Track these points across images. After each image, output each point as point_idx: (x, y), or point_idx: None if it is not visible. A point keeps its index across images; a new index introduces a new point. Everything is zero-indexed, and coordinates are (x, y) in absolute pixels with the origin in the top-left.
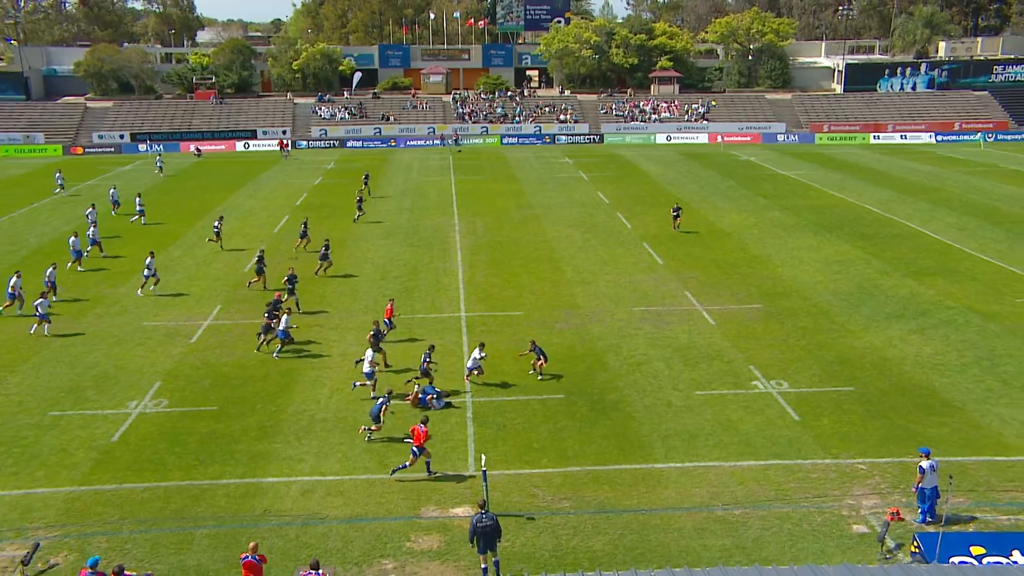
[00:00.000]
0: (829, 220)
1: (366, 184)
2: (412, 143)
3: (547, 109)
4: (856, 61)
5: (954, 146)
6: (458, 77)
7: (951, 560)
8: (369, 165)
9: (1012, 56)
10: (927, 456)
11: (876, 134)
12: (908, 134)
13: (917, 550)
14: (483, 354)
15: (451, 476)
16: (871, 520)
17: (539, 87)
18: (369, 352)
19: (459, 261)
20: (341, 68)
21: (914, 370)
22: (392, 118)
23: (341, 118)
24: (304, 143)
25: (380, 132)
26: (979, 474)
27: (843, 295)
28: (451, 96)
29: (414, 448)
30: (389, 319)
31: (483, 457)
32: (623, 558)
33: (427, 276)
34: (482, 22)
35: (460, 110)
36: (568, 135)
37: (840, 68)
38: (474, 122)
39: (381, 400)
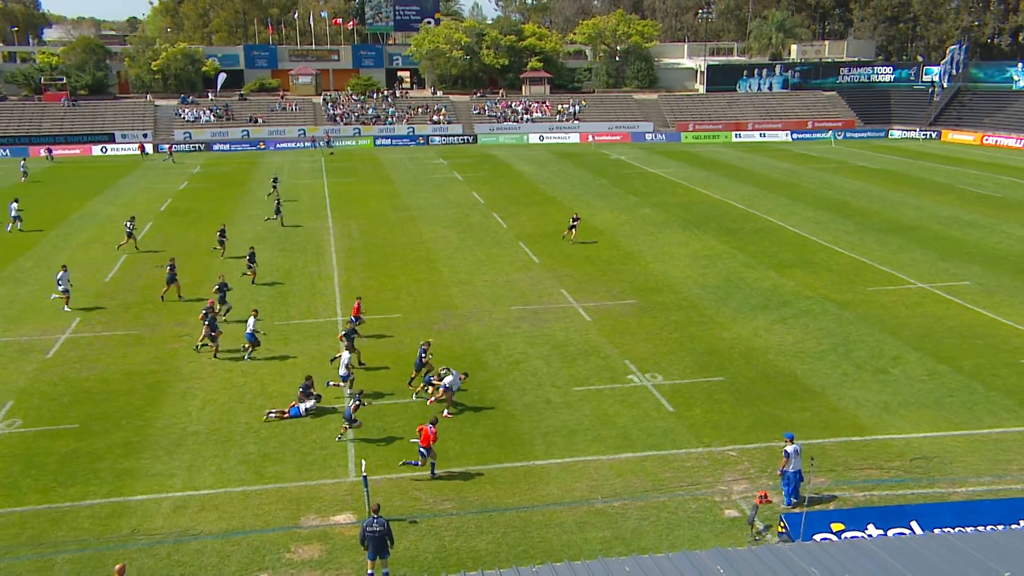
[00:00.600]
0: (697, 216)
1: (275, 187)
2: (282, 146)
3: (420, 110)
4: (717, 62)
5: (808, 143)
6: (328, 78)
7: (814, 537)
8: (238, 169)
9: (855, 59)
10: (791, 441)
11: (738, 132)
12: (767, 132)
13: (784, 530)
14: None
15: (329, 484)
16: (741, 504)
17: (411, 88)
18: (345, 354)
19: (334, 264)
20: (204, 69)
21: (778, 358)
22: (260, 120)
23: (206, 120)
24: (165, 147)
25: (248, 135)
26: (837, 455)
27: (712, 288)
28: (321, 97)
29: (421, 449)
30: (357, 316)
31: (363, 462)
32: (506, 556)
33: (301, 280)
34: (351, 23)
35: (331, 112)
36: (441, 136)
37: (702, 69)
38: (346, 124)
39: (354, 400)
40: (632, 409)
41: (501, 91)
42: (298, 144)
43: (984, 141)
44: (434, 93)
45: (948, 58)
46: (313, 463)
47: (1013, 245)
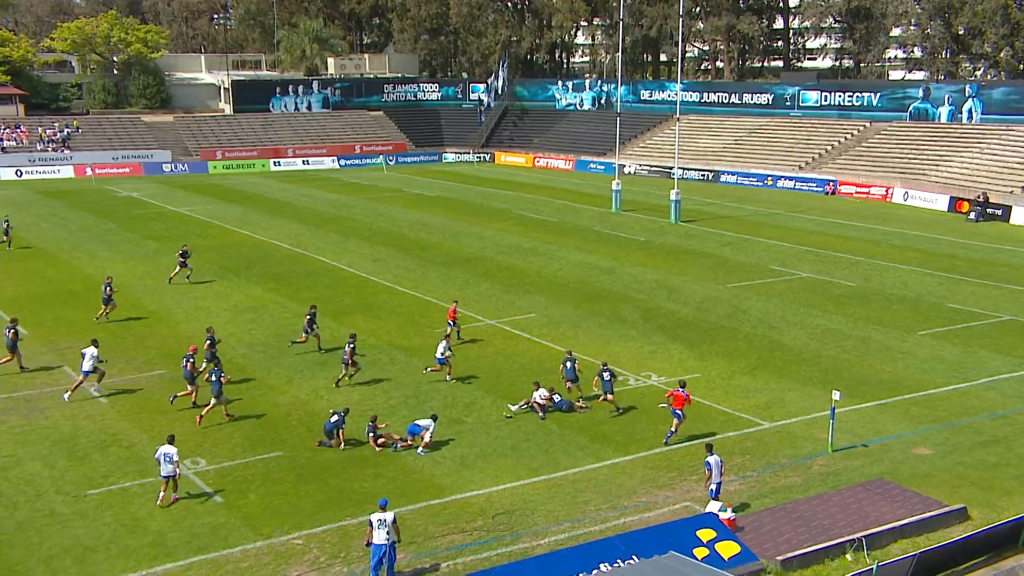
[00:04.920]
0: (235, 261)
1: (7, 233)
2: None
3: None
4: (244, 78)
5: (358, 171)
6: None
7: None
8: None
9: (399, 75)
10: (384, 508)
11: (276, 160)
12: (310, 159)
13: None
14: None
15: None
16: None
17: None
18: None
19: None
20: None
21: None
22: None
23: None
24: None
25: None
26: (417, 523)
27: (260, 346)
28: None
29: (676, 411)
30: (453, 320)
31: None
32: None
33: None
34: None
35: None
36: None
37: (227, 86)
38: None
39: (337, 418)
40: (169, 508)
41: None
42: None
43: (536, 163)
44: None
45: (493, 75)
46: None
47: (572, 271)
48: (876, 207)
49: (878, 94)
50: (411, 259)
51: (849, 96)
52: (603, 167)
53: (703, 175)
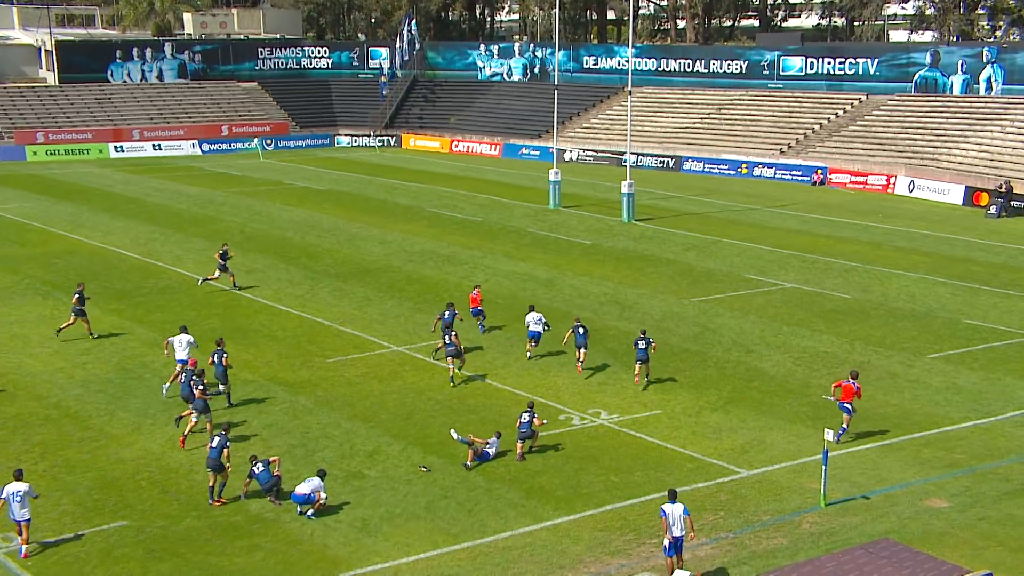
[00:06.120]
0: (64, 275)
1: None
2: None
3: None
4: (72, 37)
5: (226, 158)
6: None
7: None
8: None
9: (278, 36)
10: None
11: (118, 144)
12: (163, 143)
13: None
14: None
15: None
16: None
17: None
18: None
19: None
20: None
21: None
22: None
23: None
24: None
25: None
26: None
27: (99, 384)
28: None
29: (844, 405)
30: (478, 307)
31: None
32: None
33: None
34: None
35: None
36: None
37: (49, 47)
38: None
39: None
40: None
41: None
42: None
43: (454, 148)
44: None
45: (398, 36)
46: None
47: (501, 284)
48: (875, 200)
49: (876, 60)
50: (296, 270)
51: (841, 63)
52: (538, 153)
53: (662, 162)
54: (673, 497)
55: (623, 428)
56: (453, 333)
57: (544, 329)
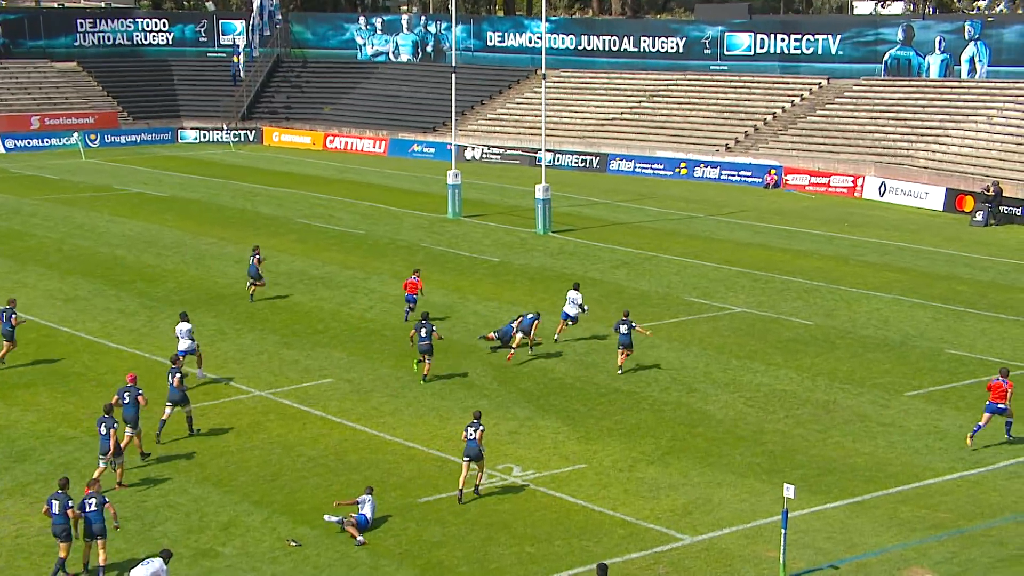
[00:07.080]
0: None
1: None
2: None
3: None
4: None
5: (37, 157)
6: None
7: None
8: None
9: (103, 4)
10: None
11: None
12: None
13: None
14: None
15: None
16: None
17: None
18: None
19: None
20: None
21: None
22: None
23: None
24: None
25: None
26: None
27: None
28: None
29: (1002, 406)
30: (414, 295)
31: None
32: None
33: None
34: None
35: None
36: None
37: None
38: None
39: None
40: None
41: None
42: None
43: (328, 144)
44: None
45: (255, 7)
46: None
47: (388, 311)
48: (840, 206)
49: (838, 37)
50: (129, 298)
51: (797, 40)
52: (432, 150)
53: (584, 161)
54: (603, 572)
55: (540, 487)
56: (431, 328)
57: (582, 311)
